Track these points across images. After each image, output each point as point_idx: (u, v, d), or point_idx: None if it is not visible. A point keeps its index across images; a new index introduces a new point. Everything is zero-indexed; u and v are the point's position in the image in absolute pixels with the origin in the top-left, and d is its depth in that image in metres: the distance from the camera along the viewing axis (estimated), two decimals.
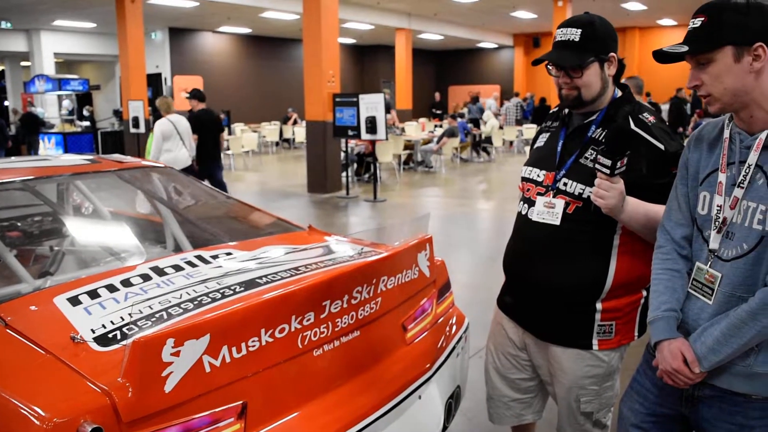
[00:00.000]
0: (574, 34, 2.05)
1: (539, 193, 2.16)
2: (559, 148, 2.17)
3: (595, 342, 2.12)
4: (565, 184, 2.09)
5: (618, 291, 2.08)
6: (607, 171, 1.89)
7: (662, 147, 2.00)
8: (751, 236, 1.60)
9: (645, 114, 2.07)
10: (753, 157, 1.61)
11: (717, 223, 1.68)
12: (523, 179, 2.27)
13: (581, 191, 2.05)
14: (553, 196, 2.12)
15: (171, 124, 7.60)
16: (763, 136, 1.60)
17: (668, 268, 1.81)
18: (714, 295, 1.68)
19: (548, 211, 2.11)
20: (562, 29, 2.10)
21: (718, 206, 1.67)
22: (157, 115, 8.16)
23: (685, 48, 1.63)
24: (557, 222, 2.09)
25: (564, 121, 2.23)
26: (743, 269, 1.62)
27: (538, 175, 2.19)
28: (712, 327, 1.64)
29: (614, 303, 2.09)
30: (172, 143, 7.53)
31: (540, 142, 2.31)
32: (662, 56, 1.69)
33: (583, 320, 2.12)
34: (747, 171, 1.62)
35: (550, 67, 2.13)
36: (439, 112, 23.45)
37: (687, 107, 14.96)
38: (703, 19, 1.62)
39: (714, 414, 1.72)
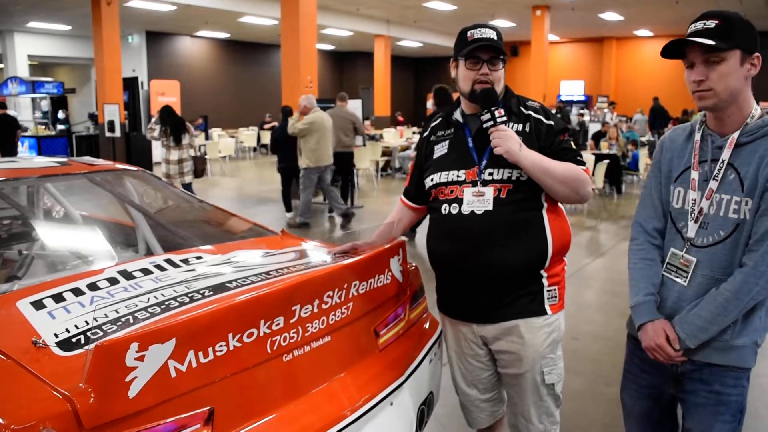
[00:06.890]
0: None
1: (466, 189, 2.25)
2: (471, 146, 2.29)
3: (548, 307, 2.29)
4: (491, 174, 2.23)
5: (555, 258, 2.28)
6: (492, 122, 2.17)
7: (552, 123, 2.28)
8: (727, 224, 1.84)
9: (530, 101, 2.34)
10: (726, 154, 1.84)
11: (693, 214, 1.91)
12: (440, 185, 2.32)
13: (509, 174, 2.21)
14: (482, 187, 2.23)
15: None
16: (735, 135, 1.83)
17: (643, 257, 2.04)
18: (689, 277, 1.92)
19: (478, 199, 2.23)
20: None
21: (693, 200, 1.91)
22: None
23: (712, 42, 1.76)
24: (490, 207, 2.21)
25: (459, 126, 2.35)
26: (721, 253, 1.85)
27: (458, 176, 2.28)
28: (699, 309, 1.86)
29: (554, 269, 2.30)
30: None
31: (441, 151, 2.37)
32: (668, 51, 1.85)
33: (535, 290, 2.28)
34: (721, 166, 1.85)
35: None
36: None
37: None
38: (717, 22, 1.77)
39: (695, 386, 1.94)
